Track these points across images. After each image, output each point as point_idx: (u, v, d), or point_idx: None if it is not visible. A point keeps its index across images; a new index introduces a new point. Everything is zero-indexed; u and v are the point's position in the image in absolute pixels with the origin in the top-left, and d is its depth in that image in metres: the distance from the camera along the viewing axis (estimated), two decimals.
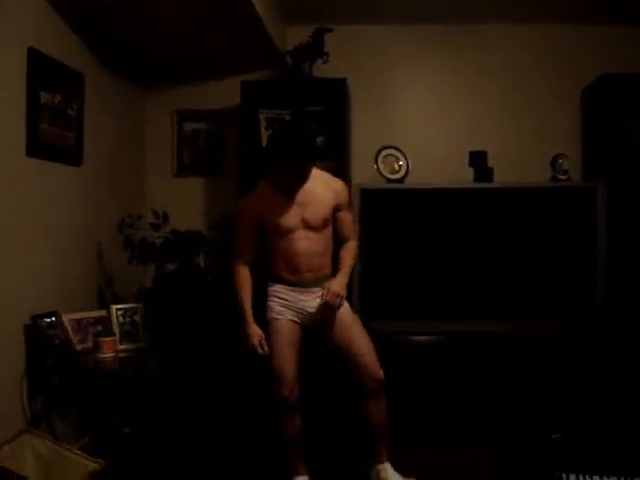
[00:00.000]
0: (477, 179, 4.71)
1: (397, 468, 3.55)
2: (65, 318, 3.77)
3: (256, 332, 3.39)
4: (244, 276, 3.47)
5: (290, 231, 3.37)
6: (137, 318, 4.18)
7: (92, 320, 3.99)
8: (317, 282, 3.45)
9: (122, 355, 3.92)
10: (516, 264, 4.57)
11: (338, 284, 3.40)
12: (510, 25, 5.12)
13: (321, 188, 3.42)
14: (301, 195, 3.37)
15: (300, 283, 3.44)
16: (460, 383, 4.37)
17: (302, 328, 3.47)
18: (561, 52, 5.13)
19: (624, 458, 3.70)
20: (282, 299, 3.45)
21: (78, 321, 3.87)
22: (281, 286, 3.46)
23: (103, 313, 4.10)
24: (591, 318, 4.49)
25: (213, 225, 4.84)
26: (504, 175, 4.78)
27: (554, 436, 4.20)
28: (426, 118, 5.20)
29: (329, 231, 3.49)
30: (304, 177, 3.34)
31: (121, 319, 4.10)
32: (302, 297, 3.44)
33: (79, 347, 3.79)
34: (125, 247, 4.32)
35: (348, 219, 3.59)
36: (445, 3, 4.80)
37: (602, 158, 4.82)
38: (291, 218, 3.36)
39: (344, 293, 3.42)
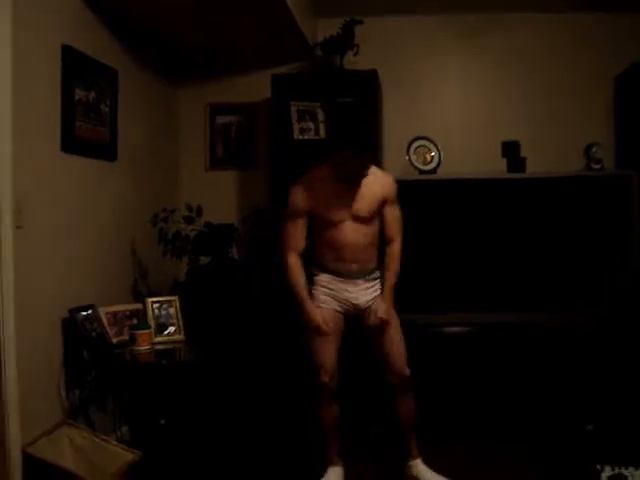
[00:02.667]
0: (510, 169, 4.68)
1: (429, 461, 3.56)
2: (101, 311, 3.82)
3: (318, 314, 3.42)
4: (298, 268, 3.46)
5: (340, 221, 3.38)
6: (172, 311, 4.21)
7: (128, 313, 4.04)
8: (363, 274, 3.47)
9: (158, 347, 3.96)
10: (550, 254, 4.54)
11: (383, 309, 3.44)
12: (541, 14, 5.06)
13: (371, 181, 3.42)
14: (353, 186, 3.38)
15: (346, 274, 3.44)
16: (490, 375, 4.36)
17: (344, 318, 3.50)
18: (593, 40, 5.06)
19: None
20: (328, 288, 3.47)
21: (114, 314, 3.93)
22: (327, 275, 3.47)
23: (139, 306, 4.14)
24: (626, 308, 4.44)
25: (245, 218, 4.87)
26: (537, 165, 4.74)
27: (588, 427, 4.18)
28: (457, 108, 5.17)
29: (376, 225, 3.49)
30: (366, 167, 3.35)
31: (156, 312, 4.14)
32: (347, 287, 3.46)
33: (115, 340, 3.84)
34: (159, 240, 4.36)
35: (395, 215, 3.57)
36: None
37: (636, 146, 4.75)
38: (342, 208, 3.37)
39: (391, 314, 3.48)
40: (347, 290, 3.46)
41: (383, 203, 3.47)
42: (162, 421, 3.99)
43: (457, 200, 4.56)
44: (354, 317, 3.52)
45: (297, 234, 3.45)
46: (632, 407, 4.21)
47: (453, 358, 4.38)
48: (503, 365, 4.36)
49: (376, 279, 3.53)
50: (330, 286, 3.47)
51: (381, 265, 3.54)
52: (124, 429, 4.08)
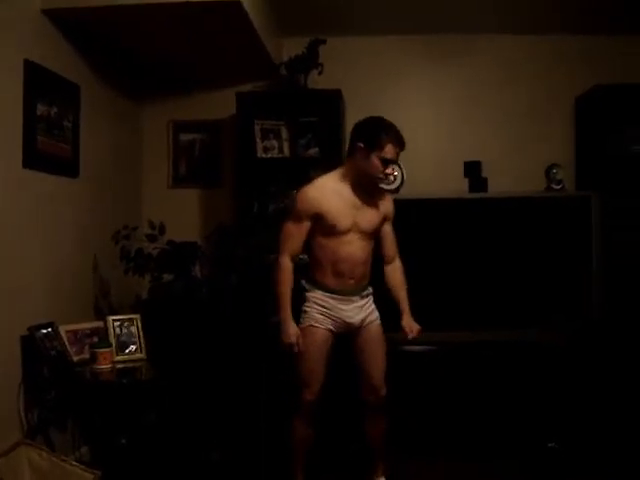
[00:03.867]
0: (472, 189, 4.74)
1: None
2: (62, 329, 3.77)
3: (294, 331, 3.37)
4: (289, 273, 3.41)
5: (345, 232, 3.35)
6: (133, 329, 4.16)
7: (88, 331, 3.99)
8: (357, 291, 3.46)
9: (119, 366, 3.91)
10: (511, 273, 4.58)
11: (417, 329, 3.60)
12: (504, 36, 5.14)
13: (376, 196, 3.45)
14: (362, 197, 3.40)
15: (341, 290, 3.41)
16: (456, 393, 4.38)
17: (334, 336, 3.47)
18: (555, 61, 5.15)
19: (620, 465, 3.73)
20: (322, 307, 3.43)
21: (74, 332, 3.87)
22: (322, 293, 3.43)
23: (99, 324, 4.10)
24: (587, 326, 4.49)
25: (209, 236, 4.85)
26: (499, 185, 4.80)
27: (550, 445, 4.21)
28: (421, 128, 5.19)
29: (373, 242, 3.51)
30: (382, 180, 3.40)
31: (117, 330, 4.09)
32: (341, 306, 3.42)
33: (76, 358, 3.79)
34: (121, 258, 4.32)
35: (392, 234, 3.63)
36: (439, 14, 4.81)
37: (596, 167, 4.83)
38: (348, 219, 3.34)
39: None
40: (341, 309, 3.42)
41: (383, 220, 3.51)
42: (123, 440, 3.93)
43: (420, 219, 4.58)
44: (342, 335, 3.50)
45: (297, 238, 3.40)
46: (595, 425, 4.25)
47: (423, 377, 4.39)
48: (466, 383, 4.38)
49: (369, 295, 3.54)
50: (325, 304, 3.42)
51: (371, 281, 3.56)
52: (84, 449, 4.02)
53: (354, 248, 3.38)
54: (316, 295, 3.44)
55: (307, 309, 3.45)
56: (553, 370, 4.40)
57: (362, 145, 3.32)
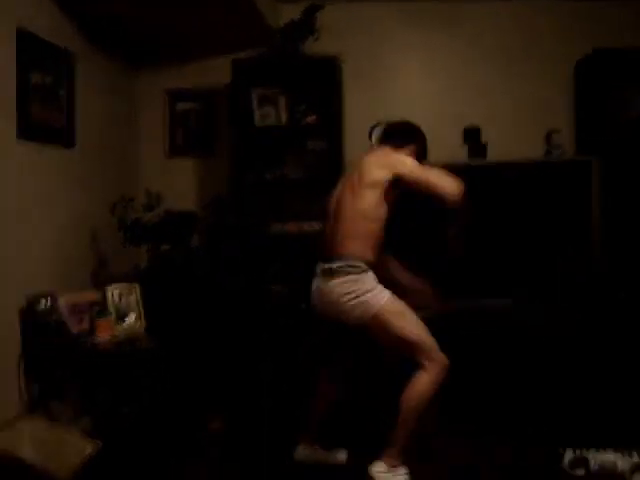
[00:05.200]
0: (471, 155, 4.71)
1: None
2: (61, 300, 3.75)
3: None
4: None
5: None
6: (132, 298, 4.17)
7: (88, 302, 3.97)
8: None
9: (118, 336, 3.92)
10: (512, 239, 4.57)
11: None
12: (504, 2, 5.09)
13: None
14: None
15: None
16: (458, 360, 4.39)
17: None
18: (553, 27, 5.10)
19: (620, 431, 3.74)
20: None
21: (74, 303, 3.86)
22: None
23: (99, 295, 4.09)
24: (586, 292, 4.49)
25: (206, 205, 4.83)
26: (498, 151, 4.78)
27: (550, 411, 4.23)
28: (419, 95, 5.17)
29: None
30: None
31: (117, 300, 4.09)
32: None
33: (75, 329, 3.78)
34: (119, 228, 4.30)
35: None
36: None
37: (595, 132, 4.80)
38: None
39: None
40: None
41: None
42: (124, 410, 3.94)
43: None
44: None
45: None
46: (593, 391, 4.26)
47: None
48: (466, 351, 4.39)
49: None
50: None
51: None
52: (85, 419, 4.02)
53: None
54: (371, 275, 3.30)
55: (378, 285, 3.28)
56: (550, 335, 4.39)
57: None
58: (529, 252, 4.57)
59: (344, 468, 3.63)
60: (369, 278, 3.23)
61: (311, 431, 3.65)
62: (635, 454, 3.39)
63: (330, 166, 4.70)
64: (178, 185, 5.21)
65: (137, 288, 4.20)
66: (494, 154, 4.76)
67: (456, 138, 4.74)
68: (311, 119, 4.81)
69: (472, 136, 4.73)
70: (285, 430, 3.86)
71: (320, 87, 4.79)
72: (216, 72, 5.10)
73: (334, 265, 3.24)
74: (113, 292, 4.09)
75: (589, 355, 4.36)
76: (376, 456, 3.31)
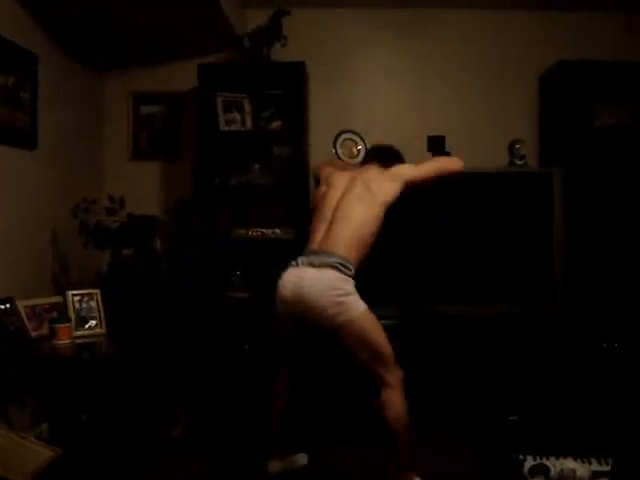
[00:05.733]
0: None
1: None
2: (20, 304, 3.71)
3: None
4: None
5: None
6: (93, 304, 4.12)
7: (47, 306, 3.94)
8: None
9: (78, 341, 3.88)
10: (473, 248, 4.60)
11: None
12: (470, 10, 5.15)
13: None
14: None
15: None
16: (422, 366, 4.40)
17: None
18: (520, 37, 5.17)
19: (579, 440, 3.78)
20: None
21: (33, 307, 3.82)
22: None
23: (58, 299, 4.04)
24: (548, 302, 4.54)
25: (169, 210, 4.80)
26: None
27: (511, 418, 4.27)
28: (385, 102, 5.19)
29: None
30: None
31: (77, 305, 4.05)
32: None
33: (34, 334, 3.74)
34: (80, 232, 4.25)
35: None
36: None
37: (559, 143, 4.87)
38: None
39: None
40: None
41: None
42: (83, 417, 3.89)
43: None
44: None
45: None
46: (555, 399, 4.31)
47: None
48: (428, 357, 4.41)
49: None
50: None
51: None
52: (43, 426, 3.97)
53: None
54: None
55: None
56: (513, 344, 4.43)
57: None
58: (490, 261, 4.60)
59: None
60: (353, 284, 3.30)
61: (278, 437, 3.65)
62: (594, 462, 3.43)
63: (295, 172, 4.71)
64: (142, 189, 5.17)
65: (98, 293, 4.16)
66: None
67: (420, 146, 4.75)
68: (276, 125, 4.81)
69: (436, 144, 4.74)
70: (250, 437, 3.84)
71: (286, 93, 4.79)
72: (182, 76, 5.07)
73: (331, 259, 3.27)
74: (73, 297, 4.05)
75: (549, 364, 4.40)
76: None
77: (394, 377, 3.29)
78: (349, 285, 3.27)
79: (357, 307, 3.24)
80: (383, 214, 3.47)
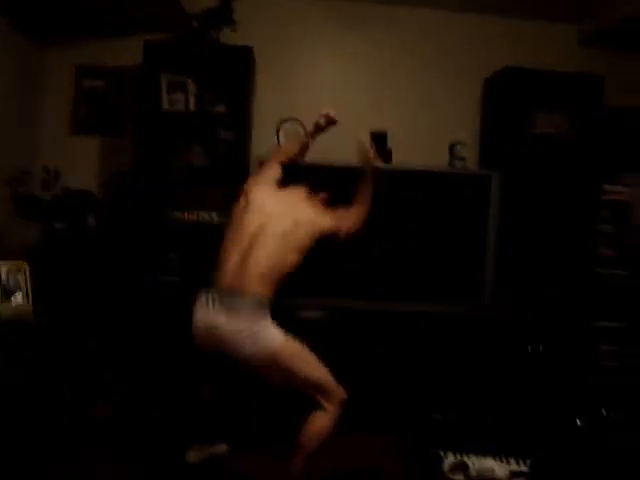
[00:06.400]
0: None
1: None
2: None
3: None
4: None
5: None
6: (20, 276, 4.04)
7: None
8: None
9: (4, 314, 3.79)
10: (410, 245, 4.63)
11: None
12: (421, 9, 5.19)
13: None
14: None
15: None
16: (347, 362, 4.42)
17: None
18: (467, 40, 5.24)
19: (499, 439, 3.85)
20: None
21: None
22: None
23: None
24: (477, 303, 4.60)
25: (105, 183, 4.72)
26: (403, 158, 4.85)
27: (434, 415, 4.32)
28: (331, 94, 5.19)
29: None
30: None
31: (3, 277, 3.96)
32: None
33: None
34: (12, 202, 4.17)
35: None
36: None
37: (499, 147, 4.94)
38: None
39: None
40: None
41: None
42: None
43: (321, 185, 4.56)
44: None
45: None
46: (477, 399, 4.38)
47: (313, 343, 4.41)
48: (358, 352, 4.43)
49: None
50: None
51: None
52: None
53: None
54: None
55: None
56: (441, 344, 4.49)
57: None
58: (425, 259, 4.64)
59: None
60: (268, 316, 3.15)
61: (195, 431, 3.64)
62: (513, 461, 3.50)
63: (237, 157, 4.68)
64: (81, 164, 5.05)
65: (25, 266, 4.07)
66: (399, 160, 4.82)
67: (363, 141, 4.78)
68: (220, 108, 4.77)
69: (378, 140, 4.77)
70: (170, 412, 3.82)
71: (232, 77, 4.75)
72: (128, 52, 4.98)
73: (244, 303, 3.12)
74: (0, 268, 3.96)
75: (475, 364, 4.47)
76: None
77: (330, 402, 3.16)
78: (264, 321, 3.11)
79: (273, 340, 3.09)
80: (307, 247, 3.35)
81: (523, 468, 3.52)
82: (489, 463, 3.50)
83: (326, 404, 3.16)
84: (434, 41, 5.24)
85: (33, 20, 4.81)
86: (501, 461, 3.53)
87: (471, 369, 4.48)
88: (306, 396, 3.18)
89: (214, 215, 4.65)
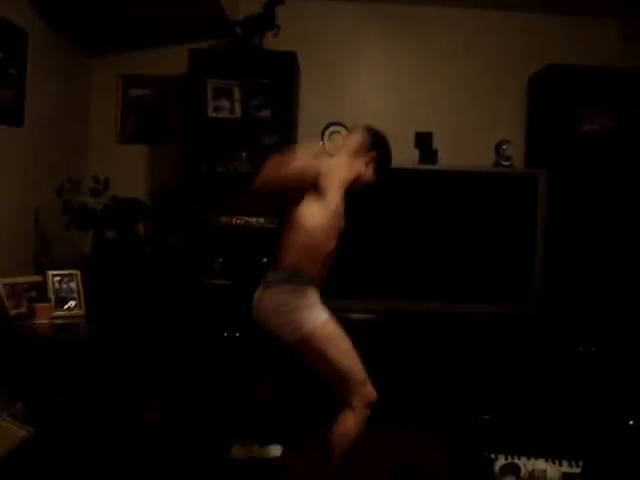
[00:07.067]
0: (422, 160, 4.75)
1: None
2: None
3: None
4: None
5: None
6: (73, 285, 4.11)
7: (27, 285, 3.92)
8: None
9: (57, 322, 3.87)
10: (457, 246, 4.61)
11: None
12: (463, 9, 5.16)
13: None
14: None
15: None
16: (395, 363, 4.42)
17: None
18: (511, 39, 5.18)
19: (551, 441, 3.81)
20: None
21: (12, 286, 3.80)
22: None
23: (39, 278, 4.03)
24: (527, 303, 4.56)
25: (153, 194, 4.78)
26: (449, 158, 4.82)
27: (484, 417, 4.29)
28: (374, 97, 5.19)
29: None
30: None
31: (57, 285, 4.03)
32: None
33: (13, 312, 3.72)
34: (63, 212, 4.24)
35: None
36: None
37: (545, 146, 4.88)
38: None
39: None
40: None
41: None
42: (57, 397, 3.88)
43: (368, 187, 4.56)
44: None
45: None
46: (527, 399, 4.34)
47: (365, 345, 4.40)
48: (407, 353, 4.43)
49: None
50: None
51: None
52: (18, 405, 3.95)
53: None
54: None
55: None
56: (489, 344, 4.46)
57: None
58: (473, 259, 4.61)
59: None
60: (308, 294, 3.05)
61: (247, 429, 3.66)
62: (565, 463, 3.45)
63: None
64: (127, 172, 5.13)
65: (78, 275, 4.14)
66: (445, 160, 4.80)
67: (408, 142, 4.76)
68: (265, 114, 4.79)
69: (424, 141, 4.76)
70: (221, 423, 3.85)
71: (276, 82, 4.76)
72: (173, 61, 5.03)
73: (277, 274, 3.08)
74: (54, 277, 4.03)
75: (526, 364, 4.43)
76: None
77: (358, 400, 3.03)
78: (302, 298, 3.02)
79: (309, 319, 2.99)
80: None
81: (575, 470, 3.47)
82: (541, 465, 3.45)
83: (353, 400, 3.03)
84: (478, 40, 5.20)
85: (81, 32, 4.89)
86: (553, 463, 3.48)
87: (522, 370, 4.45)
88: (336, 392, 3.07)
89: (262, 220, 4.67)
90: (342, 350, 3.04)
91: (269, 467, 3.73)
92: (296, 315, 2.97)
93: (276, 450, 3.81)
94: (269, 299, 3.04)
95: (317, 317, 3.00)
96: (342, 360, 3.02)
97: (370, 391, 3.06)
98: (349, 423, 3.03)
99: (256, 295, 3.13)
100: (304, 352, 3.04)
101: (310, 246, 3.05)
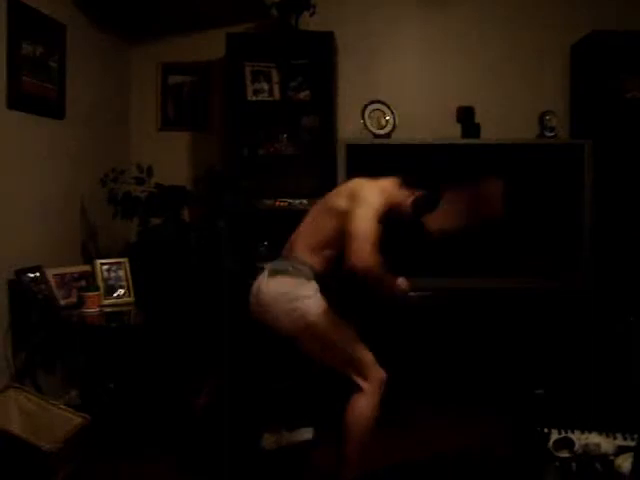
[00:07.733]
0: (464, 135, 4.70)
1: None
2: (49, 273, 3.74)
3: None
4: None
5: None
6: (122, 273, 4.15)
7: (76, 275, 3.97)
8: None
9: (106, 310, 3.91)
10: (504, 221, 4.56)
11: None
12: None
13: None
14: None
15: None
16: (448, 340, 4.40)
17: None
18: (550, 7, 5.06)
19: (605, 414, 3.77)
20: None
21: (62, 276, 3.85)
22: None
23: (87, 268, 4.08)
24: (576, 275, 4.51)
25: (198, 180, 4.81)
26: (492, 131, 4.76)
27: (537, 392, 4.26)
28: (413, 73, 5.13)
29: None
30: None
31: (105, 274, 4.08)
32: None
33: (63, 302, 3.78)
34: (109, 201, 4.28)
35: None
36: None
37: (590, 115, 4.78)
38: None
39: None
40: None
41: None
42: (111, 385, 3.95)
43: (411, 164, 4.53)
44: None
45: None
46: (579, 373, 4.30)
47: (408, 322, 4.40)
48: (457, 330, 4.41)
49: None
50: None
51: None
52: (73, 393, 4.03)
53: None
54: None
55: None
56: (540, 319, 4.42)
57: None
58: (519, 234, 4.56)
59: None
60: (312, 286, 3.00)
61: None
62: (619, 437, 3.41)
63: (323, 143, 4.68)
64: (170, 159, 5.16)
65: (126, 263, 4.19)
66: (487, 134, 4.73)
67: (449, 117, 4.71)
68: (304, 95, 4.77)
69: (466, 115, 4.70)
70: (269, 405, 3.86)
71: (314, 63, 4.75)
72: (210, 46, 5.03)
73: (284, 264, 3.07)
74: (102, 266, 4.08)
75: (577, 338, 4.39)
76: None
77: (368, 382, 2.97)
78: (305, 287, 2.97)
79: (312, 307, 2.95)
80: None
81: (630, 443, 3.42)
82: (595, 439, 3.40)
83: (364, 384, 2.97)
84: (516, 11, 5.08)
85: (118, 21, 4.92)
86: (607, 436, 3.44)
87: (574, 343, 4.40)
88: (343, 376, 3.00)
89: (305, 202, 4.65)
90: (346, 337, 3.01)
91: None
92: (298, 304, 2.94)
93: (307, 433, 3.75)
94: (272, 287, 3.00)
95: (319, 305, 2.97)
96: (347, 347, 2.99)
97: (380, 372, 3.02)
98: (363, 408, 2.98)
99: (256, 284, 3.10)
100: (306, 342, 3.01)
101: (334, 260, 3.01)
